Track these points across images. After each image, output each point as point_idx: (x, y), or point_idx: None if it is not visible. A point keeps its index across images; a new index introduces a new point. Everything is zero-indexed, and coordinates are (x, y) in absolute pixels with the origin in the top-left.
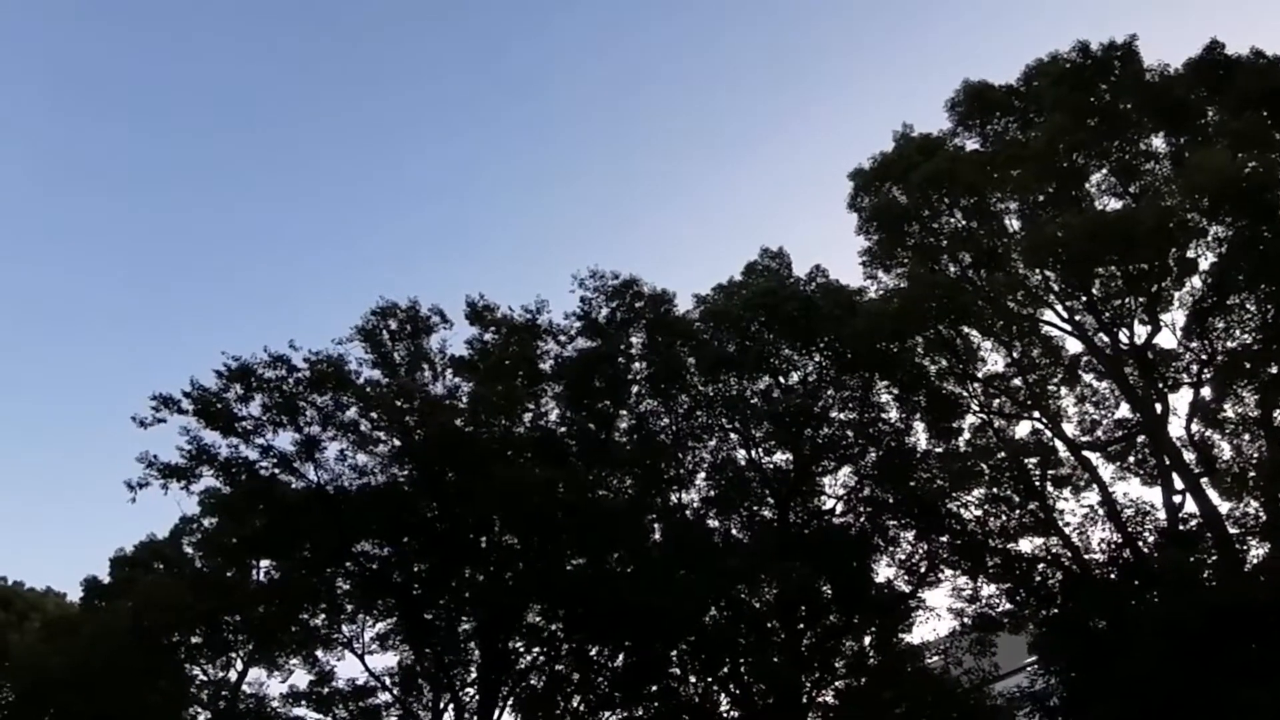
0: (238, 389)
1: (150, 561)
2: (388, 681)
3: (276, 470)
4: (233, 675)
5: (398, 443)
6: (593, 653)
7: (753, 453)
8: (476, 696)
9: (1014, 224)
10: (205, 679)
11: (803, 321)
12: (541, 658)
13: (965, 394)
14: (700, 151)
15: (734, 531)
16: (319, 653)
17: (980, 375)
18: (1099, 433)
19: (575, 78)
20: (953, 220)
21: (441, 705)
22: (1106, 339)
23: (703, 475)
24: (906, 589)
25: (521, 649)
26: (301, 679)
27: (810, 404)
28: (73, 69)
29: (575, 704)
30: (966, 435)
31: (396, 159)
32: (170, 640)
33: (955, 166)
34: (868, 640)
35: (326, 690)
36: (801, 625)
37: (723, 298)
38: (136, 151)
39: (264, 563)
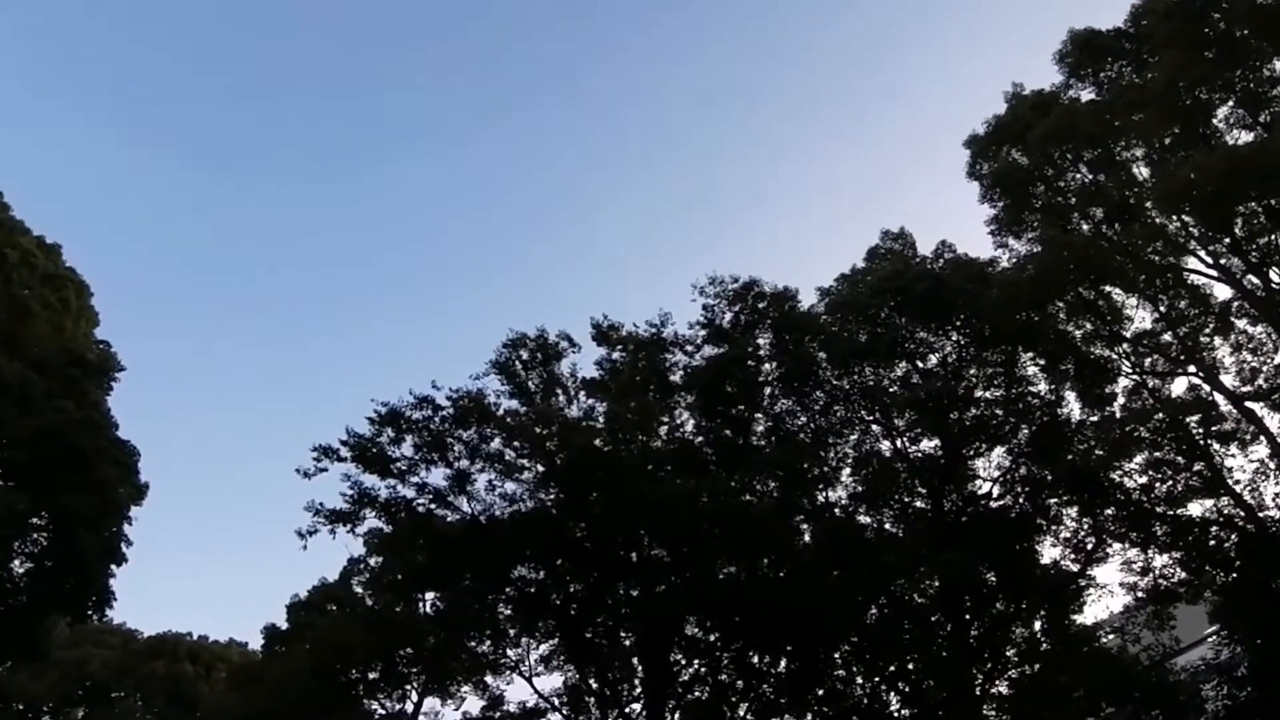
0: (389, 432)
1: (324, 604)
2: (556, 702)
3: (433, 506)
4: (409, 707)
5: (541, 468)
6: (754, 660)
7: (898, 443)
8: (643, 712)
9: (1143, 172)
10: (384, 712)
11: (935, 301)
12: (703, 669)
13: (1115, 356)
14: (804, 141)
15: (887, 526)
16: (488, 678)
17: (1128, 335)
18: (1260, 381)
19: (665, 85)
20: (1078, 176)
21: None
22: (1256, 280)
23: (848, 471)
24: (1074, 568)
25: (683, 661)
26: (474, 705)
27: (953, 386)
28: (218, 144)
29: (741, 713)
30: (1121, 400)
31: (504, 188)
32: (348, 678)
33: (1073, 120)
34: (1038, 625)
35: (498, 715)
36: (967, 616)
37: (847, 287)
38: (269, 214)
39: (429, 595)
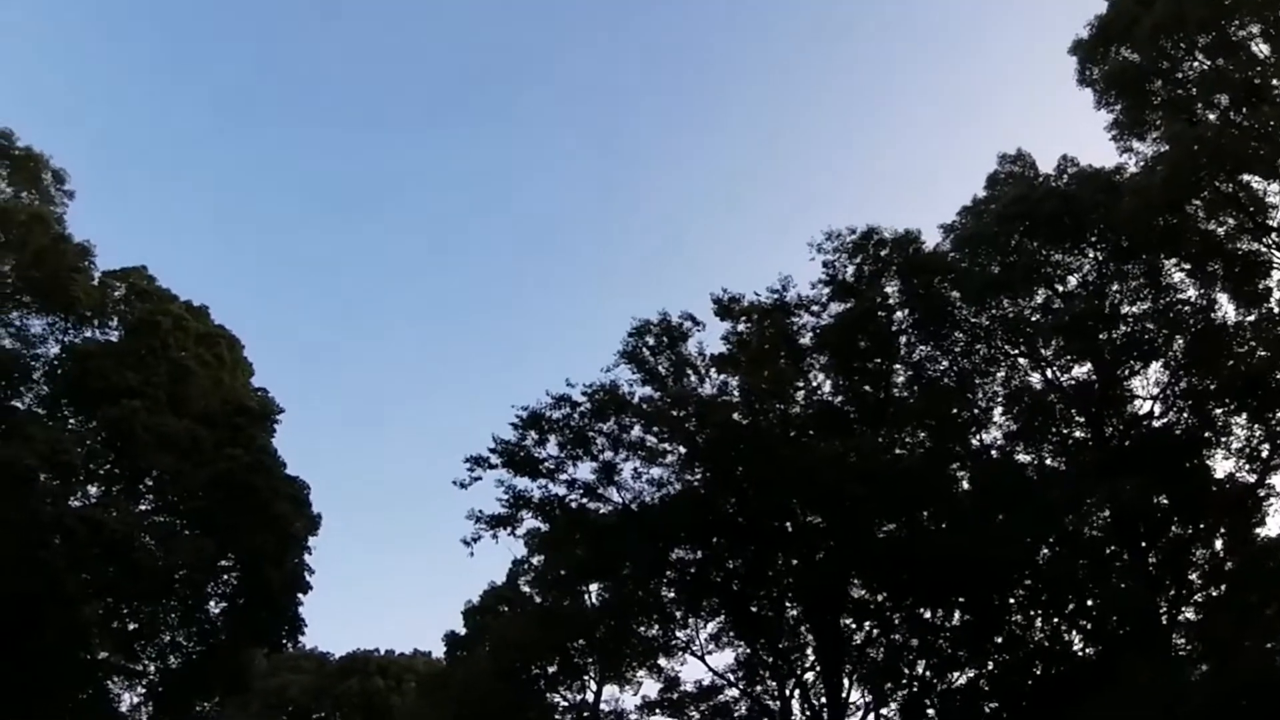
0: (533, 434)
1: (496, 607)
2: (731, 678)
3: (584, 500)
4: (589, 696)
5: (684, 450)
6: (926, 615)
7: (1048, 373)
8: (818, 680)
9: (1263, 49)
10: (566, 704)
11: (1065, 220)
12: (875, 630)
13: (1264, 249)
14: (906, 76)
15: (1048, 462)
16: (661, 661)
17: (1276, 224)
18: None
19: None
20: (1196, 65)
21: (787, 692)
22: None
23: (999, 410)
24: (1251, 479)
25: (853, 625)
26: (652, 688)
27: (1097, 305)
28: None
29: (920, 670)
30: (1277, 294)
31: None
32: (528, 674)
33: (1182, 6)
34: (1219, 544)
35: (676, 695)
36: (1143, 544)
37: (971, 220)
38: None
39: (593, 587)
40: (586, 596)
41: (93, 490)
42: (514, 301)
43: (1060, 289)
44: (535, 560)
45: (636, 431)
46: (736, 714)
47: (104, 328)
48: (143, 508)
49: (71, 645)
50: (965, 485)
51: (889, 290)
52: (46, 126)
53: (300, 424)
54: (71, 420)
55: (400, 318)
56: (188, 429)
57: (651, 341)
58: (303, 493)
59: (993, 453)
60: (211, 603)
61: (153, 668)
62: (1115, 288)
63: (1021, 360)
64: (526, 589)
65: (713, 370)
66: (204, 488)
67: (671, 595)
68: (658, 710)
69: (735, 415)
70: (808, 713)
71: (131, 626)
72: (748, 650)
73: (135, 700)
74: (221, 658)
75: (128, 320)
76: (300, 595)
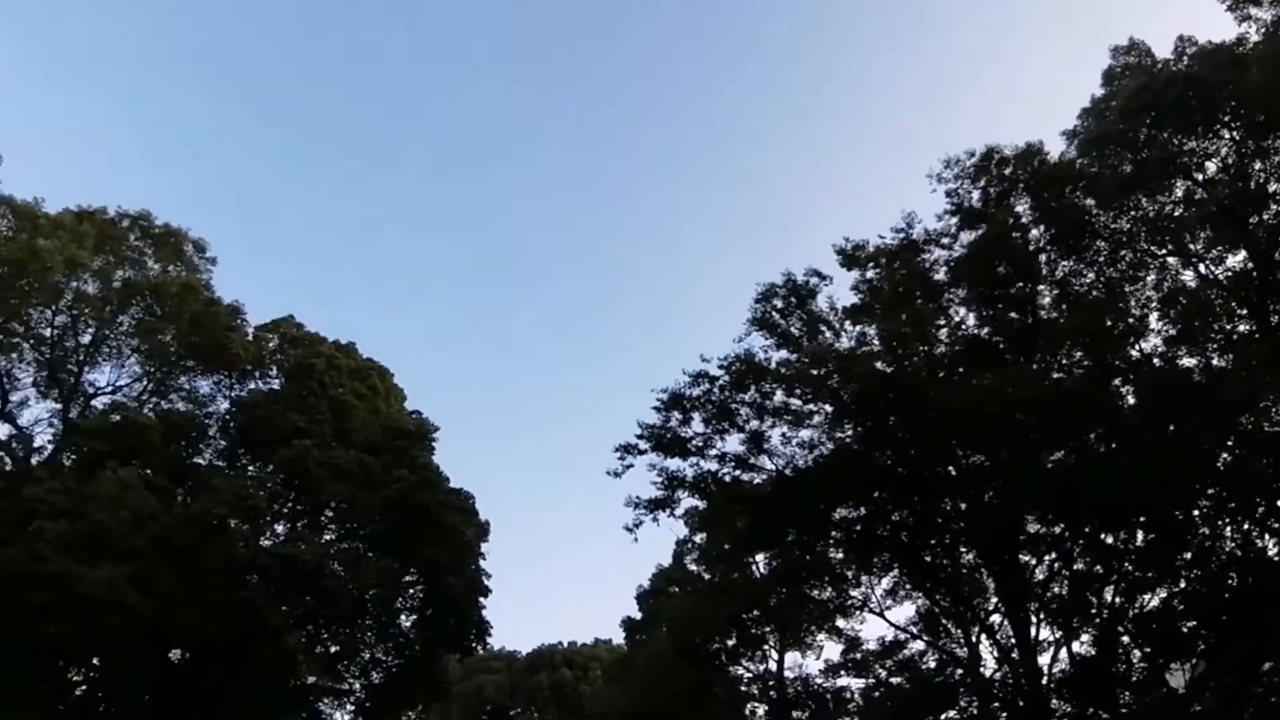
0: (676, 415)
1: (667, 588)
2: (914, 630)
3: (738, 472)
4: (771, 665)
5: (830, 408)
6: (1108, 540)
7: (1200, 269)
8: (1004, 621)
9: None
10: (750, 675)
11: (1193, 103)
12: (1056, 563)
13: None
14: None
15: (1214, 362)
16: (840, 622)
17: None
18: None
19: None
20: None
21: (973, 638)
22: None
23: (1155, 316)
24: None
25: (1032, 561)
26: (834, 651)
27: (1242, 188)
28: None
29: (1108, 598)
30: None
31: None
32: (708, 650)
33: None
34: None
35: (859, 655)
36: None
37: (1094, 121)
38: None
39: (759, 557)
40: (754, 567)
41: (280, 528)
42: (640, 287)
43: (1199, 178)
44: (698, 538)
45: (779, 397)
46: (924, 666)
47: (264, 378)
48: (327, 537)
49: (281, 674)
50: (1130, 400)
51: (1019, 209)
52: (179, 196)
53: (454, 437)
54: (250, 467)
55: (529, 316)
56: (355, 459)
57: (780, 304)
58: (468, 502)
59: (1155, 361)
60: (402, 617)
61: (357, 685)
62: (1258, 166)
63: (1171, 259)
64: (694, 567)
65: (847, 323)
66: (378, 511)
67: (840, 556)
68: (843, 672)
69: (878, 365)
70: (997, 656)
71: (333, 649)
72: (927, 601)
73: (345, 718)
74: (418, 668)
75: (285, 367)
76: (481, 599)
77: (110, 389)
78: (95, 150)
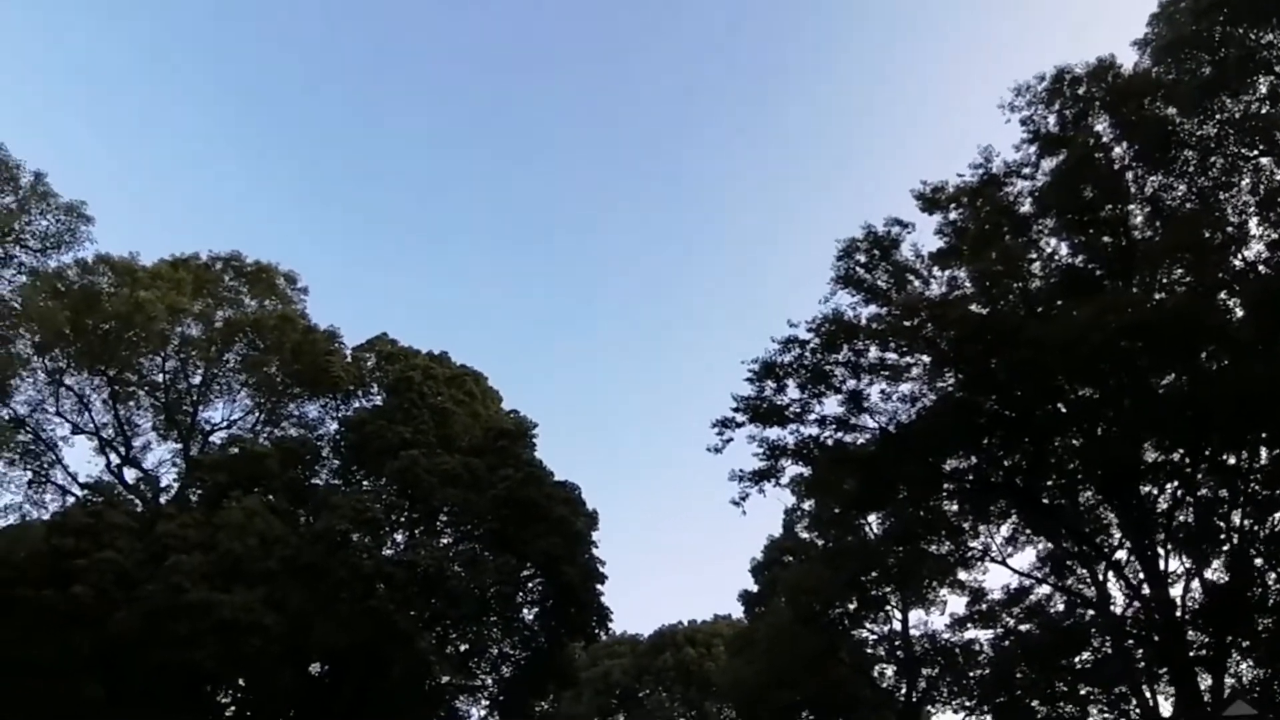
0: (770, 384)
1: (780, 558)
2: (1039, 575)
3: (840, 434)
4: (895, 625)
5: (928, 358)
6: (1231, 461)
7: None
8: (1130, 555)
9: None
10: (875, 636)
11: None
12: (1179, 490)
13: None
14: None
15: None
16: (961, 575)
17: None
18: None
19: None
20: None
21: (1101, 577)
22: None
23: (1254, 222)
24: None
25: (1154, 491)
26: (958, 604)
27: None
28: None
29: (1236, 522)
30: None
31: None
32: (829, 616)
33: None
34: None
35: (984, 606)
36: None
37: (1165, 26)
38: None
39: (871, 518)
40: (867, 528)
41: (399, 537)
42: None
43: None
44: (806, 505)
45: (873, 353)
46: (1052, 610)
47: (366, 395)
48: (444, 541)
49: (416, 676)
50: (1239, 313)
51: (1099, 129)
52: (261, 230)
53: (553, 431)
54: (364, 482)
55: (610, 303)
56: (461, 462)
57: (863, 259)
58: (574, 493)
59: (1260, 269)
60: (524, 610)
61: (489, 680)
62: None
63: (1264, 160)
64: (805, 535)
65: (935, 268)
66: (489, 510)
67: (955, 508)
68: (969, 624)
69: (972, 308)
70: (1127, 593)
71: (463, 648)
72: (1049, 544)
73: (481, 713)
74: (546, 658)
75: (384, 383)
76: (599, 586)
77: (225, 424)
78: (164, 193)
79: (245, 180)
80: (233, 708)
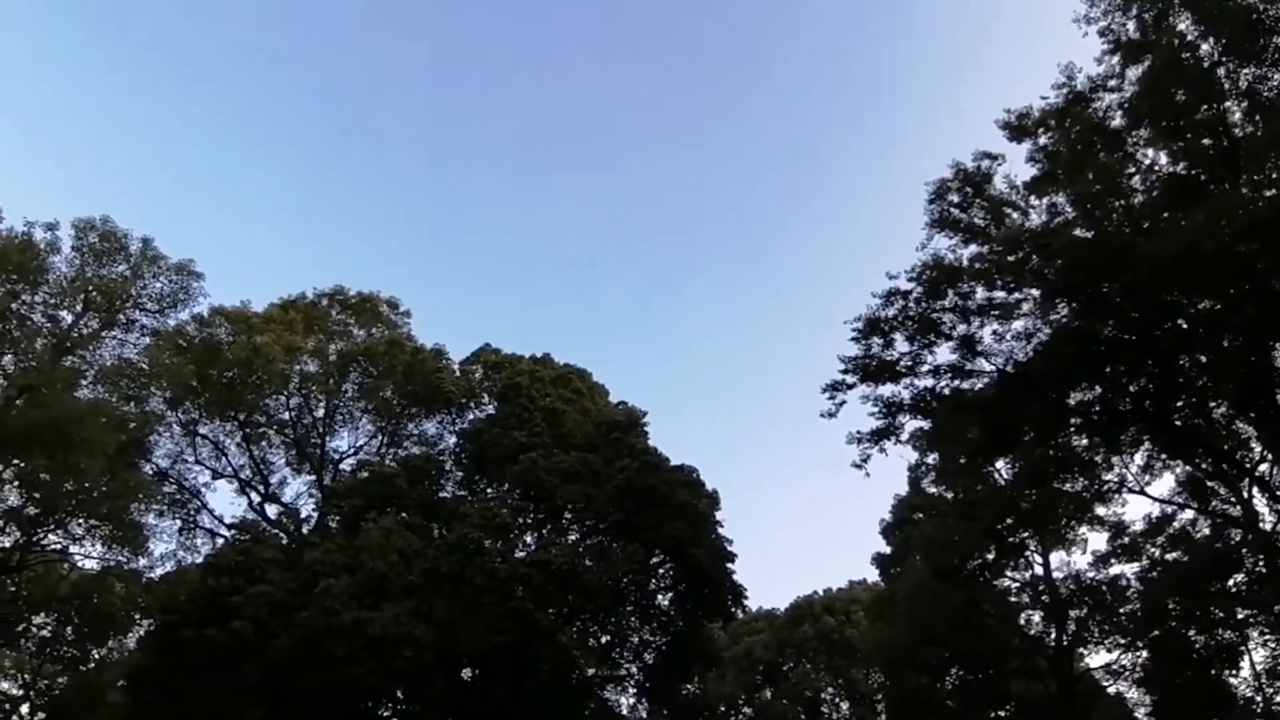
0: (876, 340)
1: (909, 516)
2: (1180, 500)
3: (956, 382)
4: (1037, 570)
5: (1037, 291)
6: None
7: None
8: (1274, 469)
9: None
10: (1018, 583)
11: None
12: None
13: None
14: None
15: None
16: (1100, 510)
17: None
18: None
19: None
20: None
21: (1245, 494)
22: None
23: None
24: None
25: None
26: (1099, 540)
27: None
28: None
29: None
30: None
31: None
32: (968, 569)
33: None
34: None
35: (1127, 539)
36: None
37: None
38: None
39: (999, 464)
40: (996, 475)
41: (528, 539)
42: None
43: None
44: (930, 459)
45: (980, 294)
46: (1198, 535)
47: (479, 406)
48: (571, 538)
49: (562, 672)
50: None
51: (1182, 27)
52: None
53: (664, 417)
54: (488, 489)
55: (702, 284)
56: (578, 459)
57: (956, 198)
58: (692, 476)
59: None
60: (659, 597)
61: (634, 669)
62: None
63: None
64: (933, 489)
65: (1032, 197)
66: (611, 502)
67: (1084, 442)
68: (1113, 560)
69: (1076, 233)
70: (1275, 508)
71: (604, 639)
72: (1187, 468)
73: (630, 702)
74: (686, 641)
75: (494, 392)
76: (729, 565)
77: (352, 450)
78: (255, 235)
79: (329, 214)
80: None
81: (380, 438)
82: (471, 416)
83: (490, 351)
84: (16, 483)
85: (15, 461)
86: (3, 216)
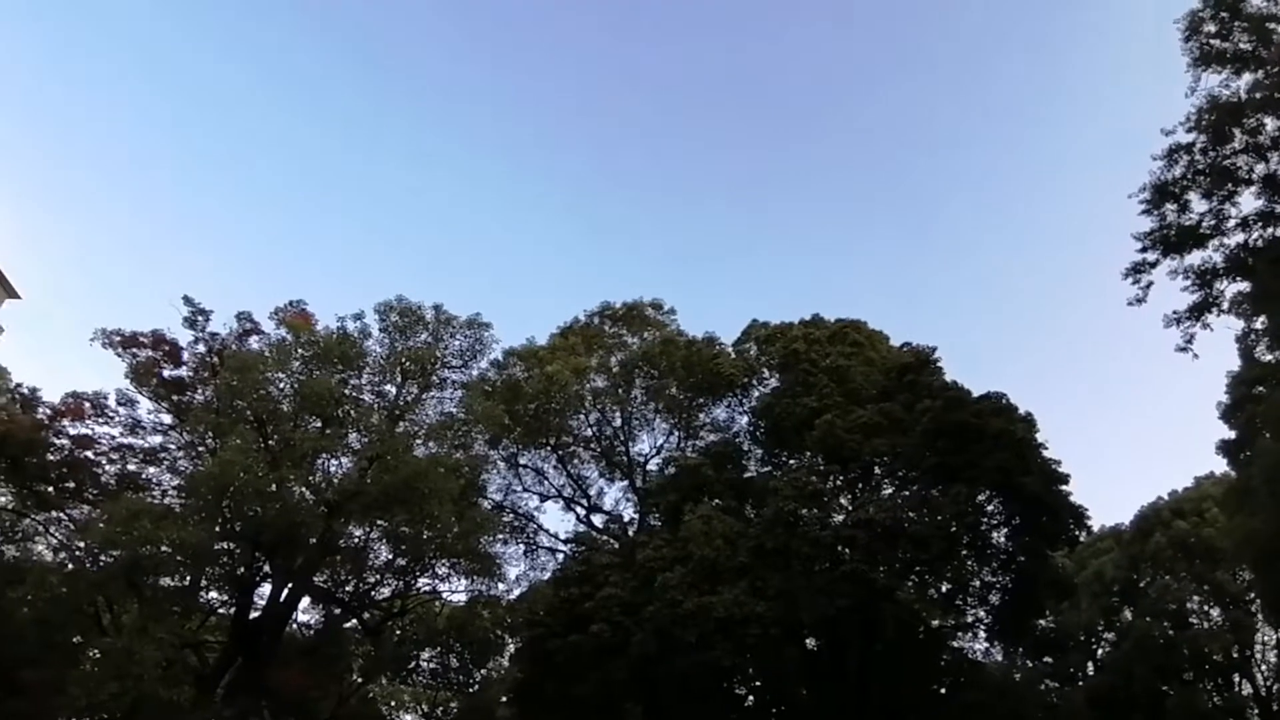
0: (1170, 206)
1: (1249, 393)
2: None
3: (1270, 229)
4: None
5: None
6: None
7: None
8: None
9: None
10: None
11: None
12: None
13: None
14: None
15: None
16: None
17: None
18: None
19: None
20: None
21: None
22: None
23: None
24: None
25: None
26: None
27: None
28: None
29: None
30: None
31: None
32: None
33: None
34: None
35: None
36: None
37: None
38: None
39: None
40: None
41: (843, 500)
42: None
43: None
44: (1258, 323)
45: (1270, 125)
46: None
47: (762, 382)
48: (887, 491)
49: (908, 628)
50: None
51: None
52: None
53: (956, 349)
54: (791, 460)
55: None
56: (876, 410)
57: (1213, 28)
58: (1002, 402)
59: None
60: (993, 535)
61: (981, 612)
62: None
63: None
64: (1268, 357)
65: None
66: (921, 447)
67: None
68: None
69: None
70: None
71: (944, 588)
72: None
73: (981, 647)
74: (1031, 575)
75: (773, 365)
76: (1063, 487)
77: (654, 451)
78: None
79: (574, 230)
80: (751, 698)
81: (676, 433)
82: (757, 393)
83: (759, 326)
84: (384, 540)
85: (380, 522)
86: (316, 319)
